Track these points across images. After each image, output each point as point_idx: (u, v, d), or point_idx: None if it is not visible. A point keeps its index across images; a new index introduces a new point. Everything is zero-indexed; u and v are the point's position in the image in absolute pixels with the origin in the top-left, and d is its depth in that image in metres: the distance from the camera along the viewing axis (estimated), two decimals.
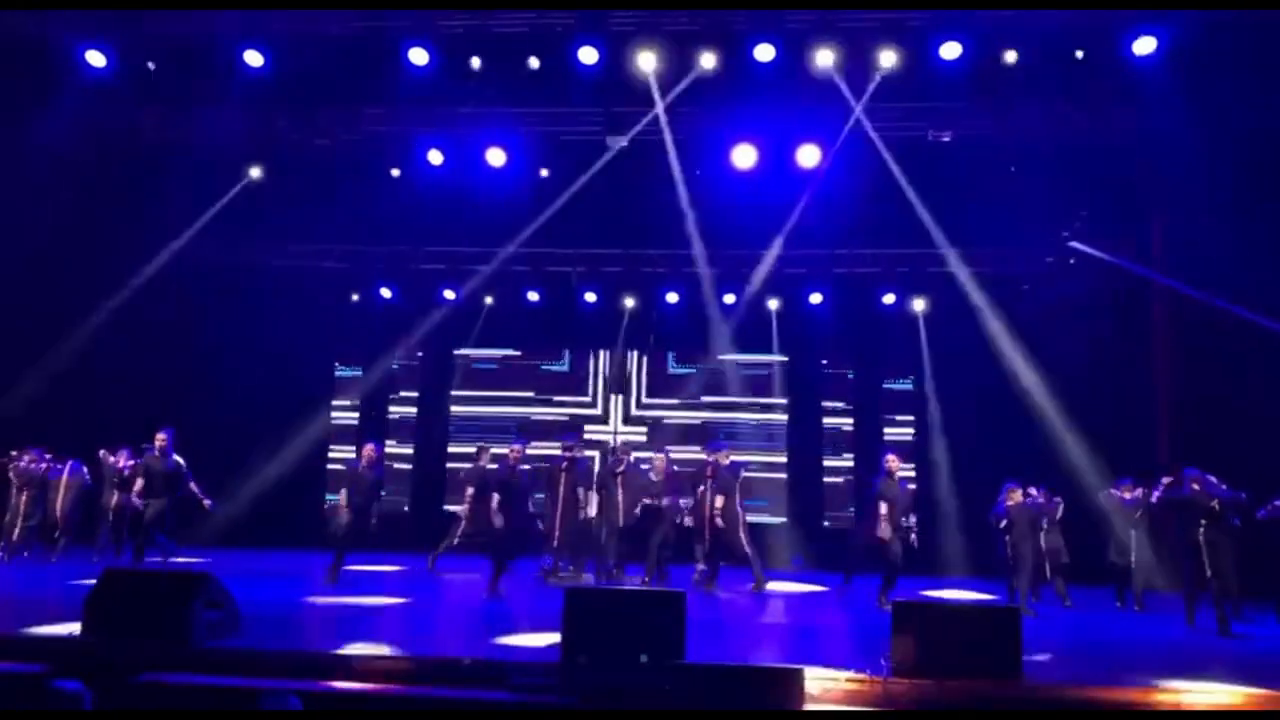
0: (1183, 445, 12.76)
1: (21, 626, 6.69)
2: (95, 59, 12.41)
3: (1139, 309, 13.99)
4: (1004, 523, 10.78)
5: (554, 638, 6.31)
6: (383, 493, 11.39)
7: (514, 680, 5.80)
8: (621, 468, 11.86)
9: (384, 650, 6.45)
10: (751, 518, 15.94)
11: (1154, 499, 10.59)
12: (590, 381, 17.57)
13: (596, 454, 13.05)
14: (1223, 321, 12.45)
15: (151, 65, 12.63)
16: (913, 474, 15.14)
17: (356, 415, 17.66)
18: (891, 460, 10.76)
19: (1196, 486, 9.64)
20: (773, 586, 12.67)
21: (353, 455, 17.03)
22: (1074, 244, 12.31)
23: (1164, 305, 13.82)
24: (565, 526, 11.47)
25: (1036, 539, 11.20)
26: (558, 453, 12.12)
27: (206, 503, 11.49)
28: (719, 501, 11.43)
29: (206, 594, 6.25)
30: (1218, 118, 11.79)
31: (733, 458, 12.13)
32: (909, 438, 16.44)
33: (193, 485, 11.27)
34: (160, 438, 10.89)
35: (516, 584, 11.10)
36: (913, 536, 10.53)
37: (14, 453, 12.62)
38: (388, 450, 16.90)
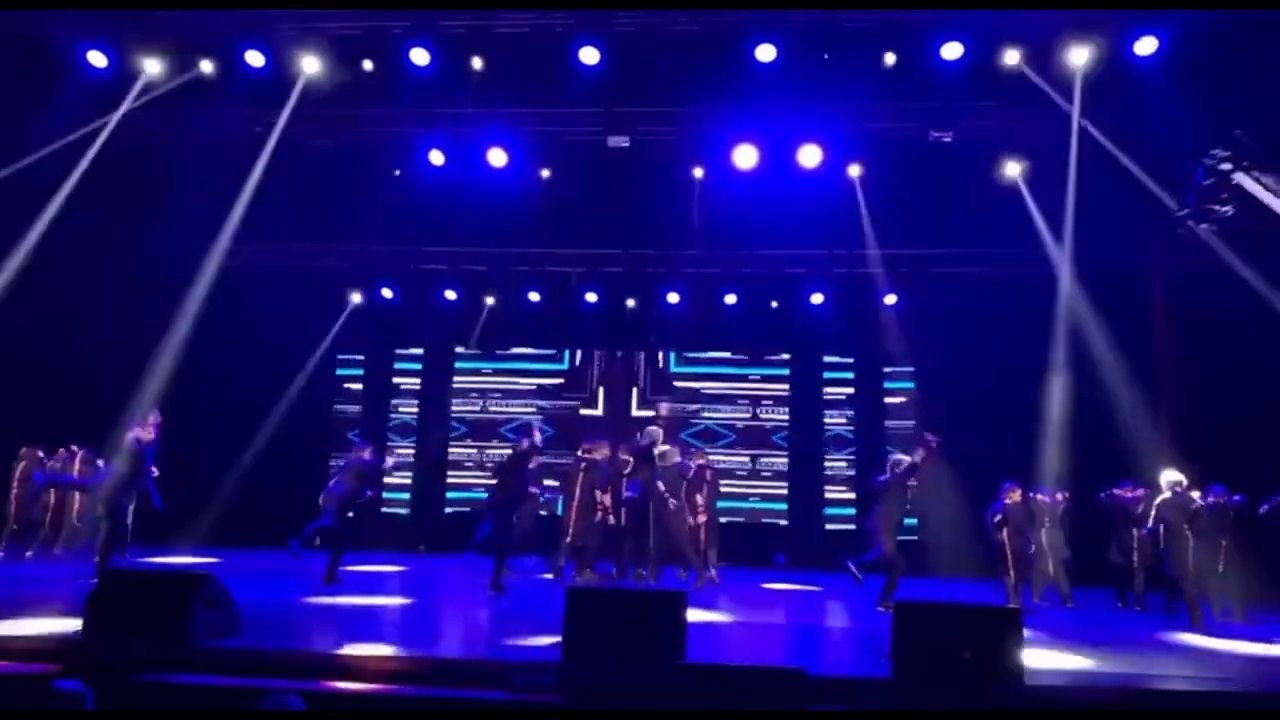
0: (1186, 445, 12.75)
1: (24, 626, 6.69)
2: (96, 59, 12.42)
3: (1141, 308, 13.98)
4: (997, 518, 10.80)
5: (555, 638, 6.29)
6: (368, 491, 11.33)
7: (515, 680, 5.79)
8: (628, 470, 11.87)
9: (384, 650, 6.44)
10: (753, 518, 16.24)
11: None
12: (591, 381, 17.55)
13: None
14: (1226, 321, 12.45)
15: (152, 66, 12.63)
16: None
17: (359, 414, 17.67)
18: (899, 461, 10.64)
19: (1179, 490, 10.12)
20: (774, 587, 12.70)
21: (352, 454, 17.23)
22: (1237, 178, 11.40)
23: (1167, 305, 13.83)
24: (580, 526, 11.51)
25: (1036, 537, 11.36)
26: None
27: (155, 501, 10.92)
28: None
29: (206, 594, 6.24)
30: (1219, 117, 11.77)
31: (680, 458, 12.05)
32: (911, 433, 16.39)
33: (153, 471, 10.76)
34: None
35: (519, 582, 11.10)
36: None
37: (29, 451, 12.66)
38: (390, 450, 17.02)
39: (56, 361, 13.89)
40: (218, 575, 6.59)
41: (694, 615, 8.04)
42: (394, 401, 17.79)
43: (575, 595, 6.31)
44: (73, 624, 6.32)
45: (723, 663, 5.96)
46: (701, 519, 12.22)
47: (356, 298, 17.17)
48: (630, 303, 16.72)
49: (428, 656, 6.30)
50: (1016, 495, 10.87)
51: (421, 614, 8.92)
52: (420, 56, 12.21)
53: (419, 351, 17.64)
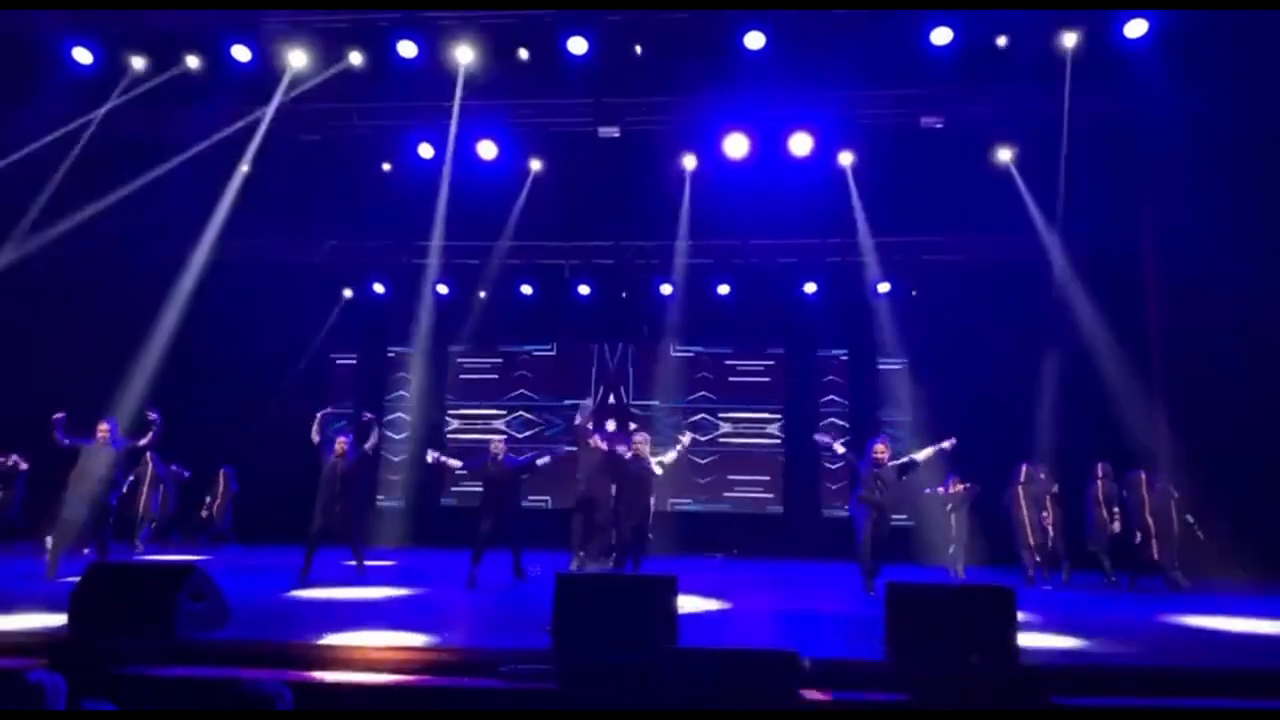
0: (1181, 428, 12.75)
1: (10, 620, 6.63)
2: (82, 56, 12.36)
3: (1134, 289, 13.93)
4: (948, 506, 12.30)
5: (546, 625, 6.23)
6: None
7: (506, 668, 5.74)
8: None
9: (373, 641, 6.39)
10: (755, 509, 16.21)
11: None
12: (584, 373, 17.48)
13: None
14: (1217, 303, 12.43)
15: (138, 62, 12.57)
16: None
17: (352, 409, 17.61)
18: (879, 448, 10.21)
19: (1043, 476, 12.08)
20: (770, 575, 12.64)
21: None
22: None
23: (1159, 286, 13.79)
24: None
25: (1030, 519, 11.83)
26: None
27: None
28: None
29: (191, 586, 6.18)
30: (1207, 98, 11.76)
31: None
32: (906, 423, 16.37)
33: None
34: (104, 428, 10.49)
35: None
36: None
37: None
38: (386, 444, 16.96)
39: (42, 357, 13.81)
40: (204, 568, 6.54)
41: (688, 602, 8.00)
42: (388, 396, 17.72)
43: (565, 581, 6.26)
44: (59, 618, 6.27)
45: (714, 647, 5.89)
46: None
47: (349, 293, 17.13)
48: (623, 294, 16.65)
49: (418, 646, 6.25)
50: (959, 486, 12.12)
51: (413, 605, 8.86)
52: (408, 49, 12.15)
53: (412, 346, 17.55)
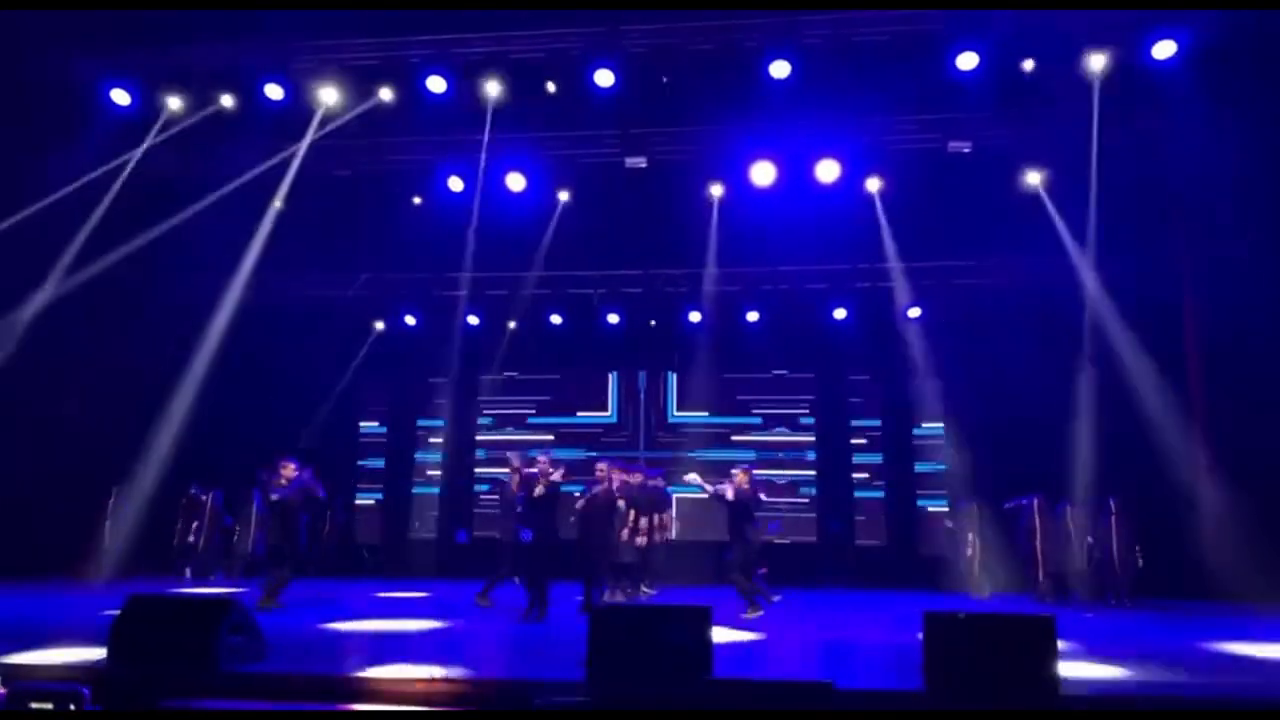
0: (1219, 453, 12.58)
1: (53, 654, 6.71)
2: (119, 97, 12.61)
3: (1170, 318, 13.76)
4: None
5: (580, 657, 6.23)
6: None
7: (539, 701, 5.73)
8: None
9: (408, 673, 6.40)
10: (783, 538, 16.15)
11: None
12: (613, 402, 17.51)
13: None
14: (1256, 330, 12.28)
15: (173, 102, 12.81)
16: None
17: (384, 444, 17.77)
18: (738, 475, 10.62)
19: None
20: (804, 604, 12.56)
21: (379, 487, 17.25)
22: None
23: (1195, 314, 13.63)
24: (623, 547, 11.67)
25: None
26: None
27: None
28: None
29: (231, 620, 6.23)
30: (1239, 121, 11.65)
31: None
32: (937, 454, 16.26)
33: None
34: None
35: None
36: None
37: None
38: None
39: (79, 396, 14.01)
40: (242, 602, 6.60)
41: (722, 633, 7.96)
42: (420, 428, 17.83)
43: (599, 614, 6.25)
44: (100, 651, 6.33)
45: (750, 678, 5.86)
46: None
47: (380, 326, 17.28)
48: (652, 323, 16.70)
49: (452, 678, 6.25)
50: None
51: (446, 637, 8.88)
52: (437, 84, 12.29)
53: (443, 378, 17.67)
